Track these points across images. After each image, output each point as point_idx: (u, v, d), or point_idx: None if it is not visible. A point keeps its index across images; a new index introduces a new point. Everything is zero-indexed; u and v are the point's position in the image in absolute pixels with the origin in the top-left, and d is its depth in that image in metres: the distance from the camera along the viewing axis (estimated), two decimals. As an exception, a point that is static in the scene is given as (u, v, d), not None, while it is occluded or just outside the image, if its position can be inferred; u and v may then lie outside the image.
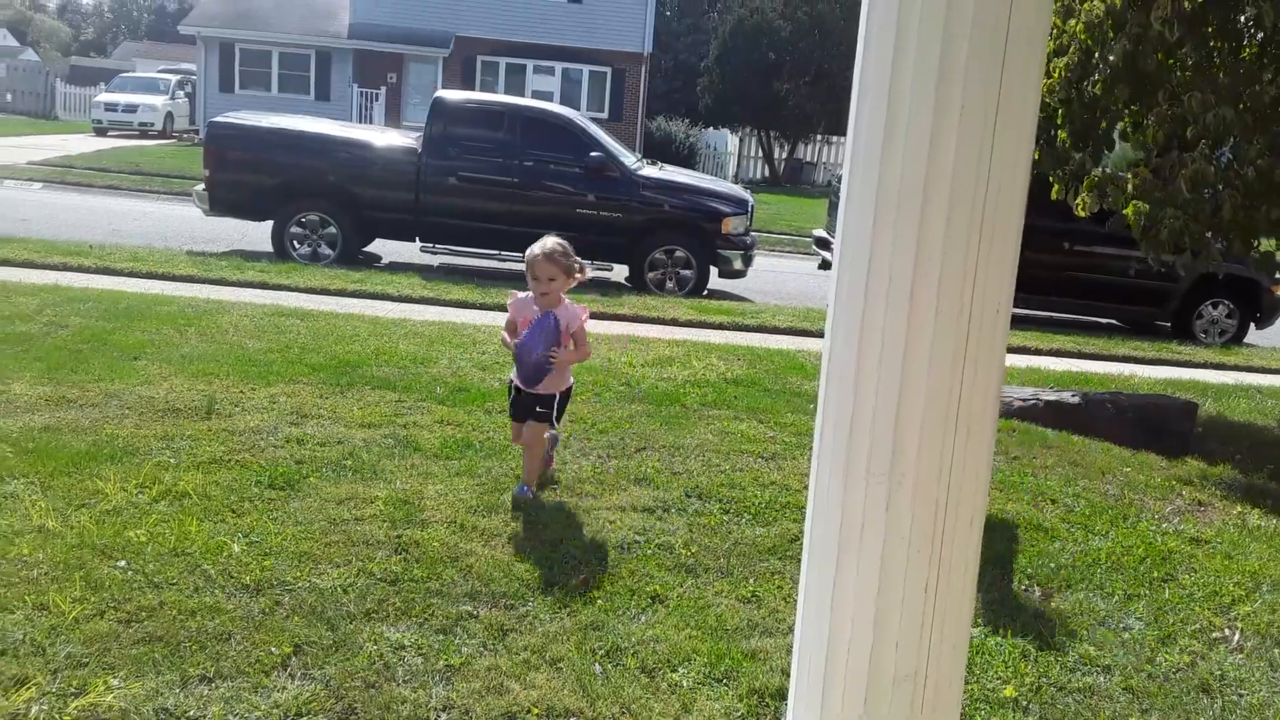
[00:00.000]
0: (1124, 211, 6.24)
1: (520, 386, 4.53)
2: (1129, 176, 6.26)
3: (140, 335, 6.80)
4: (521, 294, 4.59)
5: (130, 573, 3.50)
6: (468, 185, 11.50)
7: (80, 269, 9.28)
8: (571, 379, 4.70)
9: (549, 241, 4.38)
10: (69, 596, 3.31)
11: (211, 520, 3.97)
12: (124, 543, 3.71)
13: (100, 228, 12.74)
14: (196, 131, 29.88)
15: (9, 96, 36.35)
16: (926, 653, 1.82)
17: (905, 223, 1.73)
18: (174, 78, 34.04)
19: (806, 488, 4.89)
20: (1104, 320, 12.58)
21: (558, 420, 4.62)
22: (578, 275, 4.44)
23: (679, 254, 11.71)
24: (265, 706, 2.81)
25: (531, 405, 4.51)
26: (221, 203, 11.40)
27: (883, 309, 1.77)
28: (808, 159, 35.80)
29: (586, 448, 5.28)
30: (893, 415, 1.79)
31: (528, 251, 4.38)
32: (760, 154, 35.55)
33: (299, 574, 3.60)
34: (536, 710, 2.89)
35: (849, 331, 1.81)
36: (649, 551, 4.07)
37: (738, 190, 13.16)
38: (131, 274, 9.27)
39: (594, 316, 9.37)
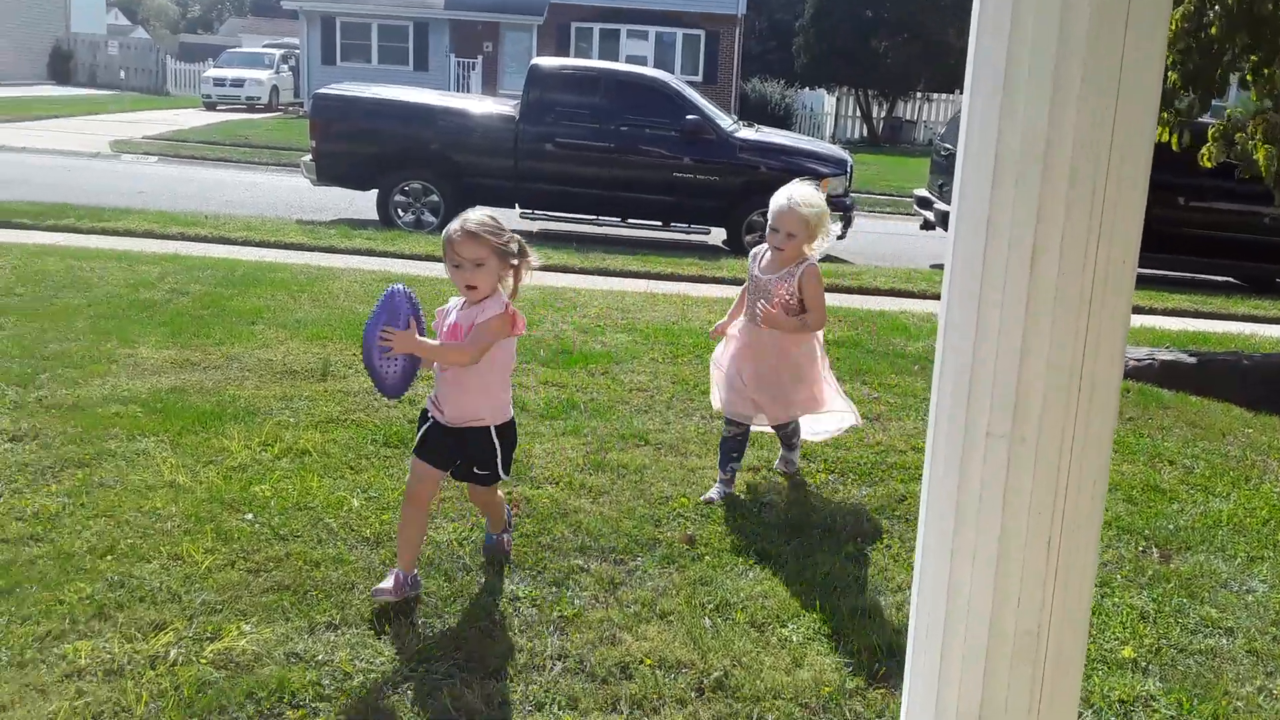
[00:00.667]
0: (1255, 158, 6.00)
1: (434, 416, 3.28)
2: (1255, 122, 6.01)
3: (256, 301, 7.04)
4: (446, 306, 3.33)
5: (257, 525, 3.66)
6: (565, 151, 11.57)
7: (197, 238, 9.61)
8: (509, 406, 3.31)
9: (472, 215, 3.14)
10: (201, 547, 3.47)
11: (331, 476, 4.12)
12: (250, 497, 3.88)
13: (214, 199, 13.16)
14: (300, 104, 30.59)
15: (122, 74, 37.66)
16: (1049, 610, 1.81)
17: (1027, 179, 1.70)
18: (278, 52, 34.84)
19: (912, 449, 4.87)
20: (1222, 279, 12.11)
21: (505, 470, 3.31)
22: (515, 261, 3.15)
23: (777, 216, 11.62)
24: (389, 653, 2.92)
25: (456, 451, 3.26)
26: (328, 173, 11.67)
27: (1003, 268, 1.75)
28: (907, 117, 35.04)
29: (690, 408, 5.31)
30: (1014, 376, 1.77)
31: (445, 230, 3.16)
32: (858, 113, 34.91)
33: (415, 529, 3.72)
34: (649, 661, 2.95)
35: (967, 291, 1.79)
36: (755, 510, 4.09)
37: (836, 150, 12.97)
38: (245, 243, 9.57)
39: (692, 280, 9.43)
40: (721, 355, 4.36)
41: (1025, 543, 1.75)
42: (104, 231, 9.51)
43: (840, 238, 11.88)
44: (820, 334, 4.27)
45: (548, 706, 2.73)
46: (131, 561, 3.36)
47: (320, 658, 2.88)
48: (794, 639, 3.13)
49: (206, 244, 9.47)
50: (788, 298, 4.03)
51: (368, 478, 4.13)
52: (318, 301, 7.25)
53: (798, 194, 4.00)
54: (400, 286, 3.11)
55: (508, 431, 3.30)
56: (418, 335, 3.09)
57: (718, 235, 12.06)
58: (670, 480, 4.32)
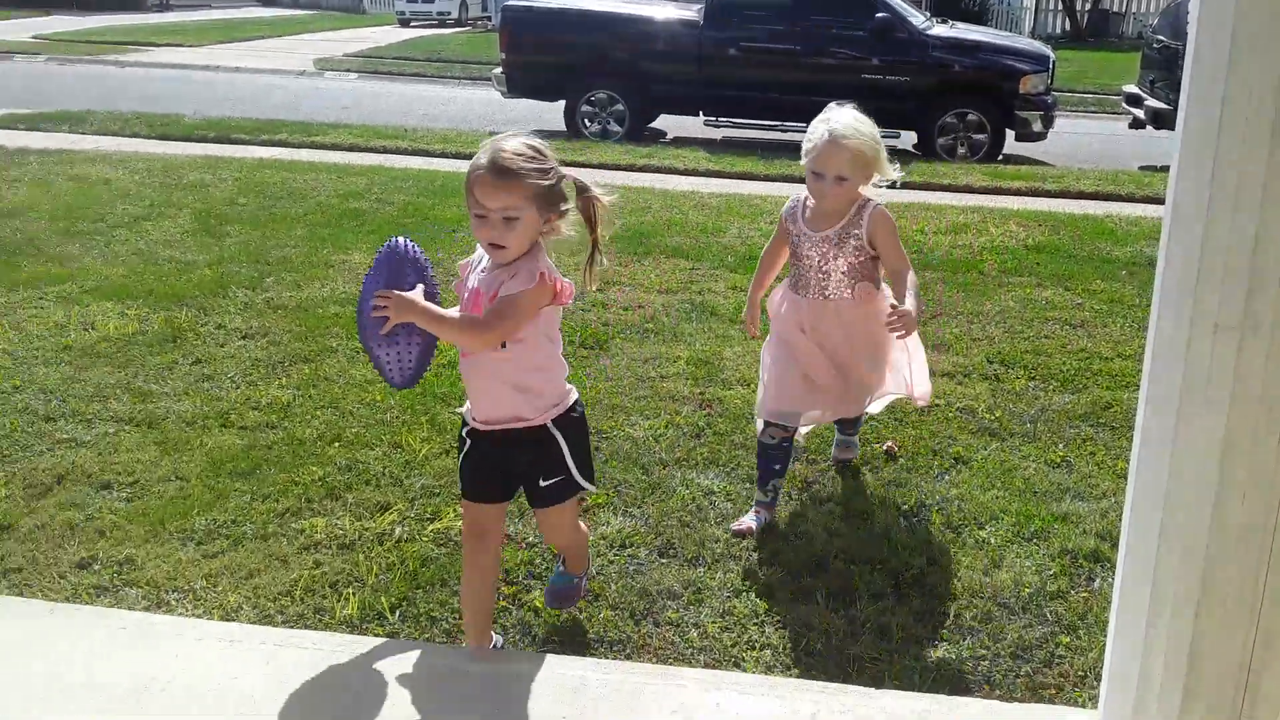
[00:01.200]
0: None
1: (476, 425, 2.41)
2: None
3: (455, 210, 7.30)
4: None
5: (466, 419, 3.87)
6: (748, 55, 11.36)
7: (398, 151, 10.00)
8: (568, 388, 2.45)
9: (508, 143, 2.24)
10: (418, 437, 3.71)
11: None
12: (459, 391, 4.09)
13: (411, 113, 13.62)
14: (489, 18, 31.02)
15: (322, -6, 39.02)
16: (1275, 507, 1.75)
17: (1268, 49, 1.60)
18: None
19: (1119, 355, 4.68)
20: None
21: (585, 474, 2.45)
22: (565, 206, 2.31)
23: (971, 117, 11.12)
24: (594, 538, 3.07)
25: (506, 466, 2.42)
26: (518, 85, 11.88)
27: (1238, 148, 1.66)
28: (1114, 9, 32.62)
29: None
30: (1247, 265, 1.70)
31: (471, 164, 2.29)
32: (1059, 6, 32.74)
33: (614, 424, 3.86)
34: (842, 558, 2.99)
35: (1198, 177, 1.71)
36: (950, 415, 4.04)
37: (1036, 46, 12.26)
38: (442, 154, 9.90)
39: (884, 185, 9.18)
40: (773, 346, 3.25)
41: (1253, 434, 1.69)
42: (314, 145, 10.00)
43: (1042, 137, 11.31)
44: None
45: (744, 594, 2.82)
46: (357, 448, 3.62)
47: (530, 540, 3.06)
48: (992, 541, 3.11)
49: (407, 156, 9.84)
50: (856, 259, 3.09)
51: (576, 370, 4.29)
52: (512, 210, 7.47)
53: (840, 122, 2.99)
54: (403, 240, 2.32)
55: (572, 424, 2.41)
56: (423, 300, 2.23)
57: (907, 139, 11.67)
58: (862, 384, 4.31)
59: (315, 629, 2.60)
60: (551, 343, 2.40)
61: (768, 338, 3.28)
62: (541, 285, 2.25)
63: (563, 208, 2.30)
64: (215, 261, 5.83)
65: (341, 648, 2.37)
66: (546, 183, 2.25)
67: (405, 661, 2.37)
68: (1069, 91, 16.74)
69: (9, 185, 7.69)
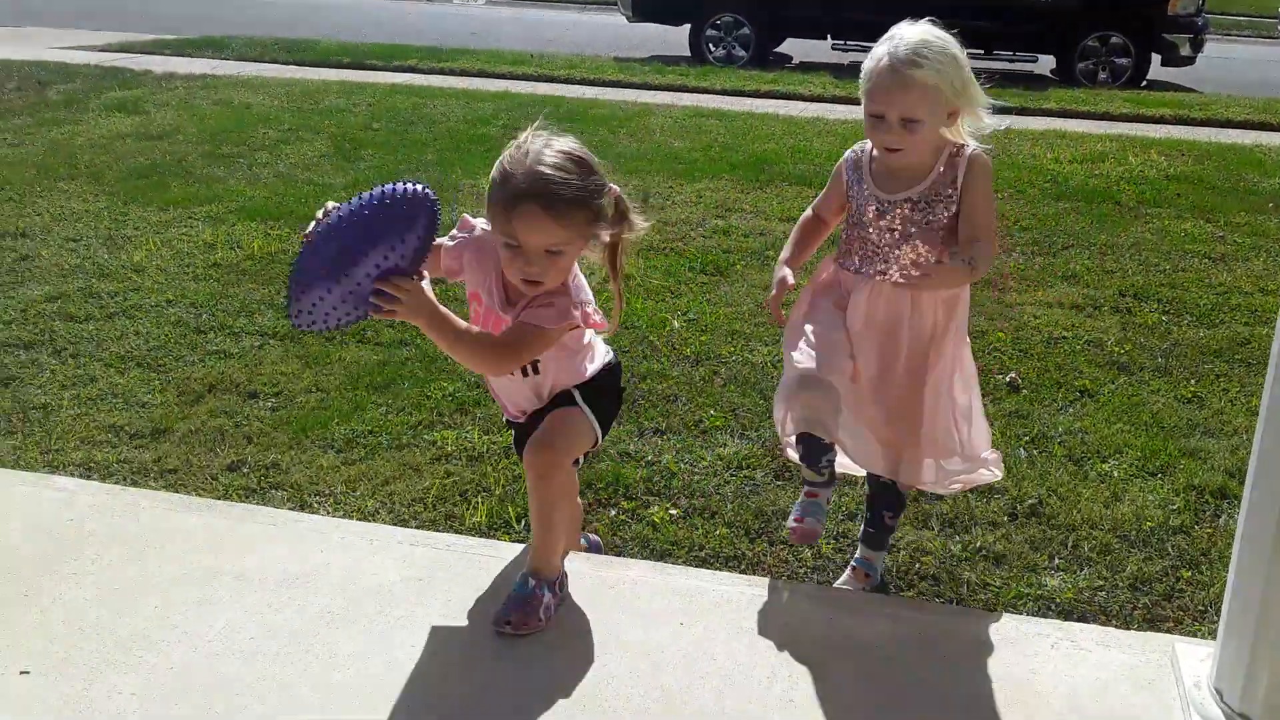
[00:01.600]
0: None
1: (513, 419, 2.32)
2: None
3: (581, 136, 7.36)
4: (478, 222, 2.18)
5: (589, 341, 3.97)
6: (882, -24, 11.03)
7: (524, 77, 10.09)
8: (605, 351, 2.27)
9: (548, 153, 1.98)
10: (542, 357, 3.82)
11: (653, 299, 4.36)
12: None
13: (536, 39, 13.67)
14: (612, -60, 30.69)
15: (449, -81, 39.23)
16: None
17: None
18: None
19: (1260, 290, 4.52)
20: None
21: (598, 416, 2.21)
22: (608, 233, 2.09)
23: (1115, 40, 10.64)
24: (710, 458, 3.15)
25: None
26: (643, 8, 11.81)
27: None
28: (1282, -77, 30.43)
29: (1008, 244, 5.13)
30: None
31: (499, 167, 2.02)
32: (1220, -79, 30.71)
33: (732, 349, 3.90)
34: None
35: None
36: (1077, 347, 3.96)
37: (1190, -37, 11.59)
38: (567, 80, 9.96)
39: (1015, 112, 8.87)
40: (805, 333, 2.30)
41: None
42: (442, 71, 10.17)
43: (1190, 62, 10.75)
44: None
45: (859, 516, 2.86)
46: (483, 366, 3.76)
47: (649, 458, 3.15)
48: (1114, 474, 3.07)
49: (533, 82, 9.93)
50: (945, 227, 2.23)
51: (686, 301, 4.35)
52: (634, 136, 7.50)
53: (906, 43, 2.14)
54: (427, 191, 1.91)
55: (605, 385, 2.22)
56: (436, 303, 1.94)
57: (1045, 63, 11.23)
58: (986, 315, 4.25)
59: (446, 534, 2.74)
60: (575, 346, 2.16)
61: (788, 327, 2.39)
62: (570, 319, 2.01)
63: (604, 235, 2.03)
64: (351, 185, 6.03)
65: (472, 549, 2.50)
66: (599, 203, 1.98)
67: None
68: (1221, 14, 15.78)
69: (158, 109, 8.06)
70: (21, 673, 2.00)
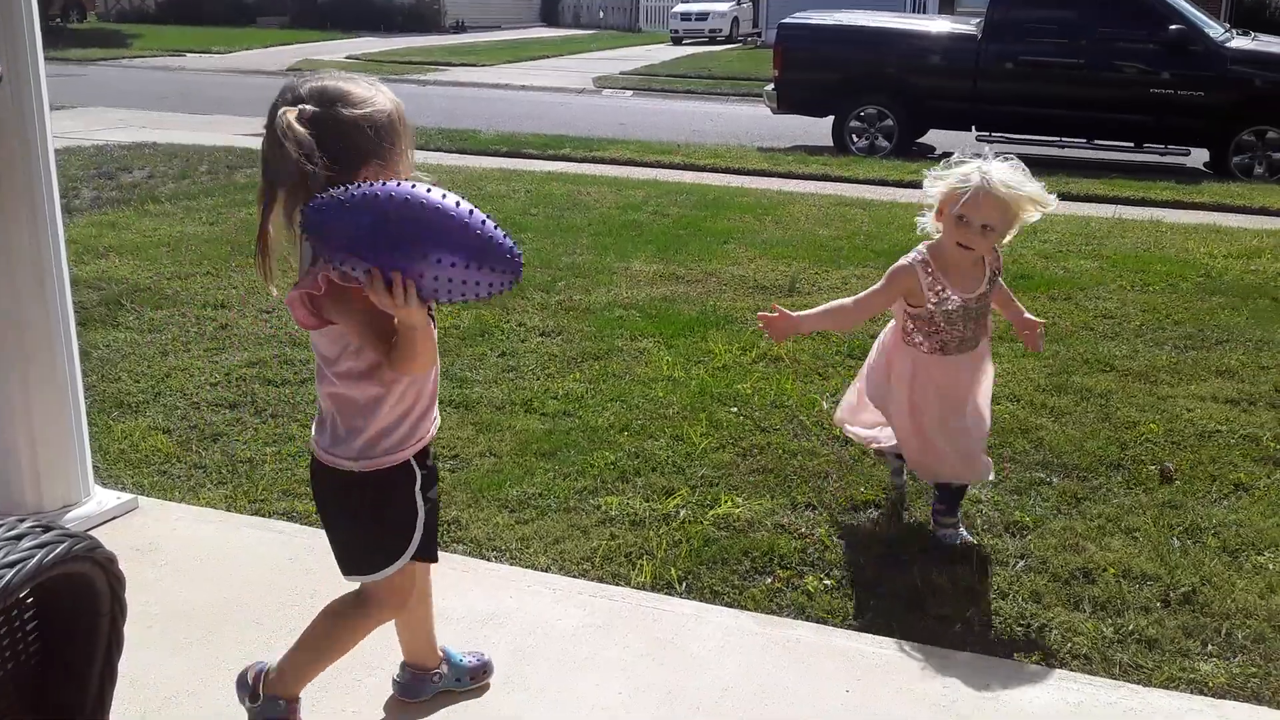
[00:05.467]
0: None
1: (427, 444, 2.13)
2: None
3: (726, 223, 7.66)
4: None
5: (741, 417, 4.17)
6: (1028, 70, 11.13)
7: (671, 165, 10.49)
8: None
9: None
10: (697, 431, 4.03)
11: (802, 380, 4.54)
12: (734, 393, 4.40)
13: (682, 129, 14.16)
14: (758, 34, 31.46)
15: (601, 14, 40.80)
16: None
17: None
18: (737, -16, 35.95)
19: None
20: None
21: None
22: None
23: (1271, 135, 10.45)
24: (863, 534, 3.28)
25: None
26: (788, 101, 12.14)
27: None
28: None
29: (1161, 337, 5.14)
30: None
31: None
32: (1387, 12, 29.64)
33: (882, 431, 4.04)
34: (1113, 570, 3.06)
35: None
36: (1232, 441, 3.96)
37: (1353, 58, 11.33)
38: (713, 169, 10.31)
39: (1166, 205, 8.77)
40: (892, 398, 3.21)
41: None
42: (594, 160, 10.65)
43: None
44: None
45: (1011, 596, 2.95)
46: (642, 438, 3.99)
47: (802, 531, 3.30)
48: (1270, 567, 3.08)
49: (679, 170, 10.31)
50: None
51: (835, 383, 4.50)
52: (780, 224, 7.74)
53: (996, 173, 2.90)
54: (518, 262, 1.89)
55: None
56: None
57: (1197, 157, 11.08)
58: (1137, 406, 4.28)
59: (622, 588, 2.95)
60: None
61: (895, 397, 3.16)
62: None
63: None
64: (513, 265, 6.42)
65: (645, 603, 2.71)
66: None
67: (699, 618, 2.67)
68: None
69: (336, 193, 8.70)
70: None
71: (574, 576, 3.01)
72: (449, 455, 3.84)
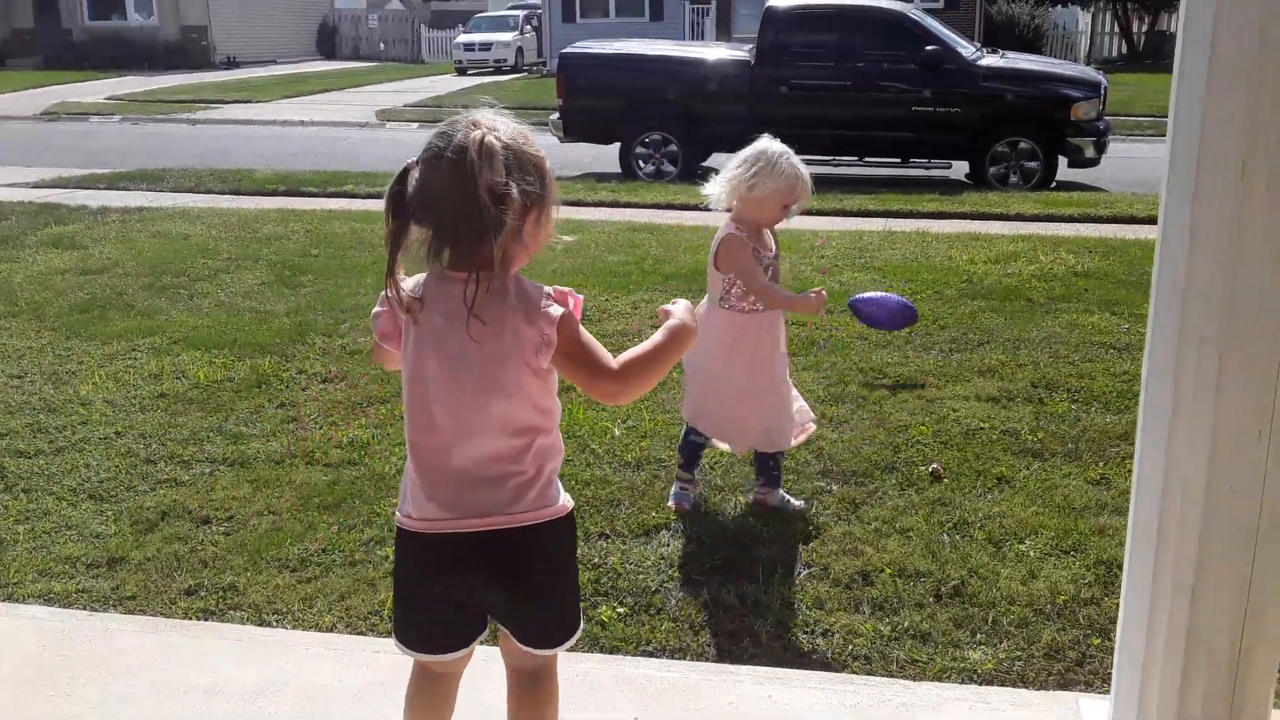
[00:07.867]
0: None
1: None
2: None
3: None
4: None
5: (533, 452, 4.13)
6: (800, 93, 11.61)
7: (460, 198, 10.39)
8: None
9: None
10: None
11: (595, 409, 4.55)
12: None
13: (470, 160, 14.07)
14: (543, 63, 31.70)
15: (382, 46, 40.17)
16: (1260, 499, 1.92)
17: (1236, 95, 1.81)
18: (521, 14, 36.13)
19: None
20: None
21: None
22: None
23: (1023, 145, 11.26)
24: (654, 558, 3.30)
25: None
26: (574, 128, 12.24)
27: (1218, 179, 1.87)
28: (1171, 30, 32.40)
29: (929, 342, 5.43)
30: (1230, 283, 1.89)
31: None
32: (1116, 29, 32.64)
33: (671, 453, 4.08)
34: (889, 570, 3.19)
35: (1181, 202, 1.92)
36: (994, 437, 4.21)
37: (1088, 72, 12.38)
38: (502, 200, 10.27)
39: (931, 216, 9.35)
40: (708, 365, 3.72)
41: (1238, 432, 1.88)
42: (379, 196, 10.34)
43: (1095, 163, 11.39)
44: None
45: (796, 605, 3.03)
46: (432, 480, 3.89)
47: (595, 561, 3.30)
48: (1031, 554, 3.28)
49: (468, 203, 10.22)
50: None
51: (627, 410, 4.53)
52: (569, 252, 7.75)
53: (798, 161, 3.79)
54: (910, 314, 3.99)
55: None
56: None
57: (959, 169, 11.83)
58: (909, 410, 4.50)
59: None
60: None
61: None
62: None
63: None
64: (293, 310, 6.19)
65: (427, 656, 2.62)
66: None
67: (491, 662, 2.61)
68: (1125, 115, 16.74)
69: (95, 244, 8.17)
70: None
71: (359, 634, 2.90)
72: (223, 518, 3.64)
